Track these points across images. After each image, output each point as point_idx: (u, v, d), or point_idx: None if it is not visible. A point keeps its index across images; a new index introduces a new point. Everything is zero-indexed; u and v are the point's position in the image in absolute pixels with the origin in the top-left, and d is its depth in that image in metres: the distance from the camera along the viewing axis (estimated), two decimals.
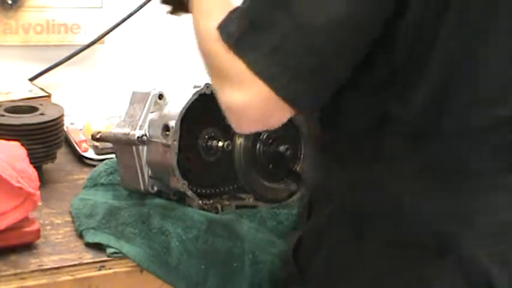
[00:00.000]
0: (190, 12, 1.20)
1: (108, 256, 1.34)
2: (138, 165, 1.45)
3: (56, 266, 1.31)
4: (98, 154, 1.73)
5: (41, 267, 1.31)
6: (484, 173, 1.14)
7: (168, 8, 1.37)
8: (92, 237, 1.37)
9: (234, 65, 1.06)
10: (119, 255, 1.33)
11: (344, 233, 1.18)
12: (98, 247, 1.36)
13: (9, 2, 1.96)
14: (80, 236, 1.39)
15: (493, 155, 1.14)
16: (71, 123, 1.85)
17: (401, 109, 1.11)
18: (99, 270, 1.32)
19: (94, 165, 1.67)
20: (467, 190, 1.14)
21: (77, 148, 1.75)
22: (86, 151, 1.74)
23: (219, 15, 1.10)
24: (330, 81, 1.08)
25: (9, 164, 1.32)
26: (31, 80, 1.99)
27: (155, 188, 1.47)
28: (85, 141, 1.76)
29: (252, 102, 1.06)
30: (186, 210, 1.42)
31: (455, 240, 1.13)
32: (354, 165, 1.17)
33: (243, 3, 1.10)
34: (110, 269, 1.32)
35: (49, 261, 1.32)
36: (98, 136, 1.54)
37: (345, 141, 1.18)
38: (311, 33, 1.03)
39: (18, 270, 1.29)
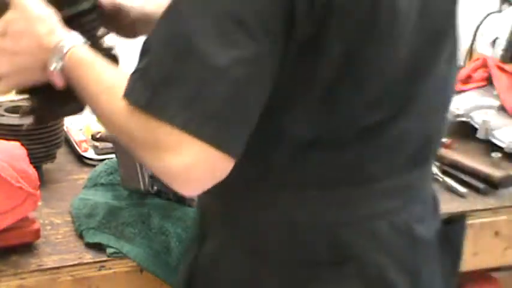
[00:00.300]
0: (85, 108, 1.13)
1: (108, 256, 1.34)
2: (138, 165, 1.45)
3: (56, 266, 1.31)
4: (98, 154, 1.73)
5: (41, 267, 1.31)
6: (375, 178, 1.12)
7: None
8: (92, 237, 1.37)
9: (160, 130, 0.99)
10: (119, 255, 1.34)
11: (240, 255, 1.14)
12: (98, 247, 1.36)
13: None
14: (80, 236, 1.39)
15: (382, 159, 1.12)
16: (71, 123, 1.85)
17: (290, 123, 1.07)
18: (99, 270, 1.32)
19: (94, 165, 1.67)
20: (360, 197, 1.11)
21: (77, 148, 1.75)
22: (85, 151, 1.74)
23: (123, 88, 1.03)
24: (252, 118, 1.02)
25: (9, 164, 1.32)
26: None
27: (155, 188, 1.46)
28: (85, 141, 1.76)
29: (195, 162, 0.99)
30: (186, 210, 1.42)
31: (353, 248, 1.10)
32: (245, 185, 1.12)
33: (140, 63, 1.03)
34: (109, 269, 1.32)
35: (49, 261, 1.32)
36: (97, 136, 1.54)
37: None
38: (222, 76, 0.97)
39: (19, 270, 1.29)
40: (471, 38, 2.15)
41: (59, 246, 1.37)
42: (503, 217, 1.58)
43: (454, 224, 1.26)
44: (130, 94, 1.02)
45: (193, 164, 0.99)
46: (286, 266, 1.11)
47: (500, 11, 2.11)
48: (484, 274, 1.75)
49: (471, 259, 1.58)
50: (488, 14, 2.12)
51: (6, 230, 1.32)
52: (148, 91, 1.00)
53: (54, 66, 1.11)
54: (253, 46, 0.99)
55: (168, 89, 0.99)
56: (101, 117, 1.09)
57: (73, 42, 1.12)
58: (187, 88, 0.98)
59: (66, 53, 1.11)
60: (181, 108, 0.98)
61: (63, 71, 1.11)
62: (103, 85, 1.08)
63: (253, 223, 1.13)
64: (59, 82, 1.12)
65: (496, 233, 1.58)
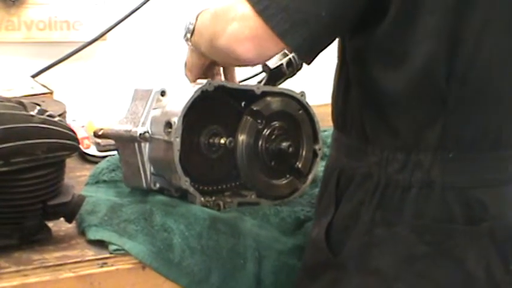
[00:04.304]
0: None
1: (111, 253, 1.34)
2: (140, 162, 1.45)
3: (58, 262, 1.31)
4: (100, 151, 1.73)
5: (43, 264, 1.30)
6: (507, 144, 1.21)
7: None
8: (94, 234, 1.37)
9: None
10: (121, 252, 1.33)
11: (375, 215, 1.23)
12: (100, 244, 1.36)
13: None
14: (82, 232, 1.39)
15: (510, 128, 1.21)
16: (73, 120, 1.84)
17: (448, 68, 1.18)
18: (101, 267, 1.31)
19: (96, 162, 1.67)
20: (494, 161, 1.21)
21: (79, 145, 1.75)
22: (88, 148, 1.74)
23: None
24: (323, 28, 1.19)
25: None
26: (33, 76, 1.99)
27: (157, 185, 1.47)
28: (87, 138, 1.76)
29: (249, 30, 1.22)
30: (189, 207, 1.42)
31: (487, 210, 1.19)
32: (380, 146, 1.24)
33: None
34: (112, 265, 1.32)
35: (51, 257, 1.32)
36: (100, 133, 1.54)
37: (372, 118, 1.25)
38: None
39: (21, 267, 1.29)
40: None
41: (61, 243, 1.37)
42: None
43: None
44: None
45: (249, 30, 1.23)
46: (420, 227, 1.20)
47: None
48: None
49: None
50: None
51: None
52: None
53: None
54: None
55: None
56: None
57: None
58: None
59: None
60: None
61: None
62: None
63: (392, 183, 1.23)
64: None
65: None
